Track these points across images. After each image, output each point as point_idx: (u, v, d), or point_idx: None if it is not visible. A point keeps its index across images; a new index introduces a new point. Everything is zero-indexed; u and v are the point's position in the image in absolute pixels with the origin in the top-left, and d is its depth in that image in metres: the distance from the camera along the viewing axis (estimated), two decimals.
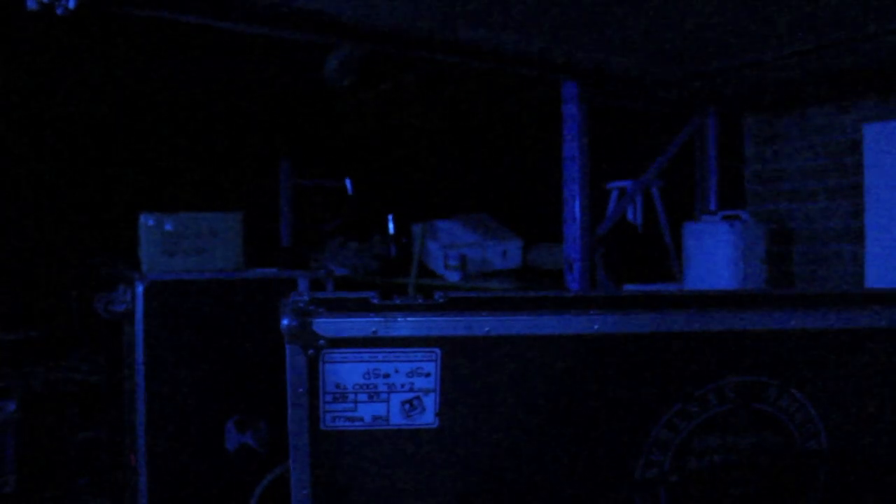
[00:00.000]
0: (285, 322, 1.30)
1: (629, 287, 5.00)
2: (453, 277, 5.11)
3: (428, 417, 1.36)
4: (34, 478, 4.59)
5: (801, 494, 1.57)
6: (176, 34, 4.19)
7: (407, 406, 1.35)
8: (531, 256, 5.43)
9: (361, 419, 1.34)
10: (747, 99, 5.07)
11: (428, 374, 1.34)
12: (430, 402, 1.35)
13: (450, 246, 5.19)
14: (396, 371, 1.33)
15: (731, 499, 1.54)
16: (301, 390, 1.32)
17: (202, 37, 4.21)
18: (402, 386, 1.34)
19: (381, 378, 1.33)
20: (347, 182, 6.93)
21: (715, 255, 4.67)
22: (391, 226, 5.59)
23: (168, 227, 3.80)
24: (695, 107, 5.17)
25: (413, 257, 5.29)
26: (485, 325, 1.36)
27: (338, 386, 1.32)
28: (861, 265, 4.81)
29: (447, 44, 3.65)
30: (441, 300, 1.37)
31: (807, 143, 5.13)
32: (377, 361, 1.32)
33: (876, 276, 4.65)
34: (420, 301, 1.36)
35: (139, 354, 3.63)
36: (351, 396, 1.33)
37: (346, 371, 1.33)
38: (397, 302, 1.36)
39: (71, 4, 2.25)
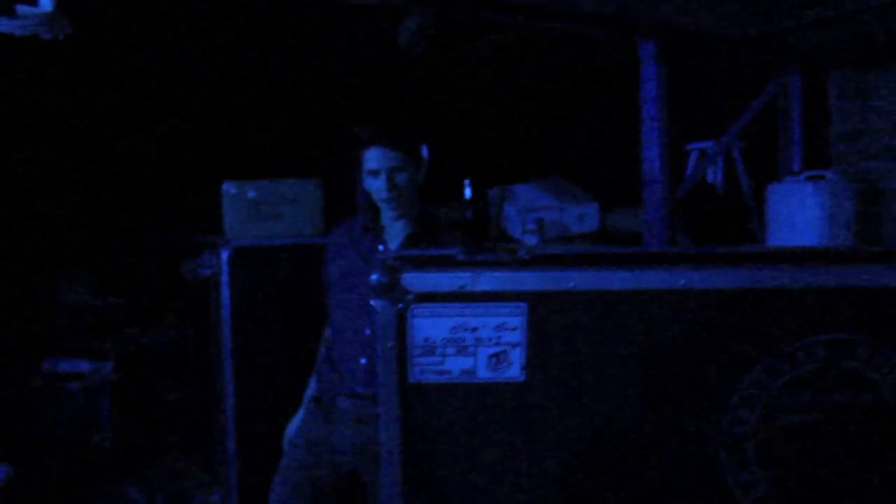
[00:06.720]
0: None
1: None
2: (531, 241, 5.09)
3: (514, 371, 1.38)
4: (129, 435, 4.81)
5: (890, 455, 1.55)
6: (261, 13, 4.30)
7: (494, 360, 1.37)
8: (609, 220, 5.37)
9: (450, 372, 1.37)
10: (833, 54, 4.89)
11: (515, 329, 1.36)
12: (517, 356, 1.37)
13: (527, 210, 5.16)
14: (484, 325, 1.36)
15: (818, 457, 1.52)
16: (390, 344, 1.35)
17: (280, 13, 4.30)
18: (490, 340, 1.36)
19: (469, 332, 1.36)
20: (423, 147, 6.93)
21: (799, 217, 4.54)
22: (468, 190, 5.58)
23: (251, 195, 3.89)
24: (778, 64, 5.01)
25: (490, 221, 5.29)
26: (569, 279, 1.37)
27: (426, 340, 1.35)
28: None
29: (521, 6, 3.62)
30: (525, 256, 1.38)
31: None
32: (465, 316, 1.35)
33: None
34: (505, 256, 1.38)
35: (225, 317, 3.75)
36: (439, 350, 1.36)
37: (434, 325, 1.35)
38: (483, 258, 1.37)
39: None
